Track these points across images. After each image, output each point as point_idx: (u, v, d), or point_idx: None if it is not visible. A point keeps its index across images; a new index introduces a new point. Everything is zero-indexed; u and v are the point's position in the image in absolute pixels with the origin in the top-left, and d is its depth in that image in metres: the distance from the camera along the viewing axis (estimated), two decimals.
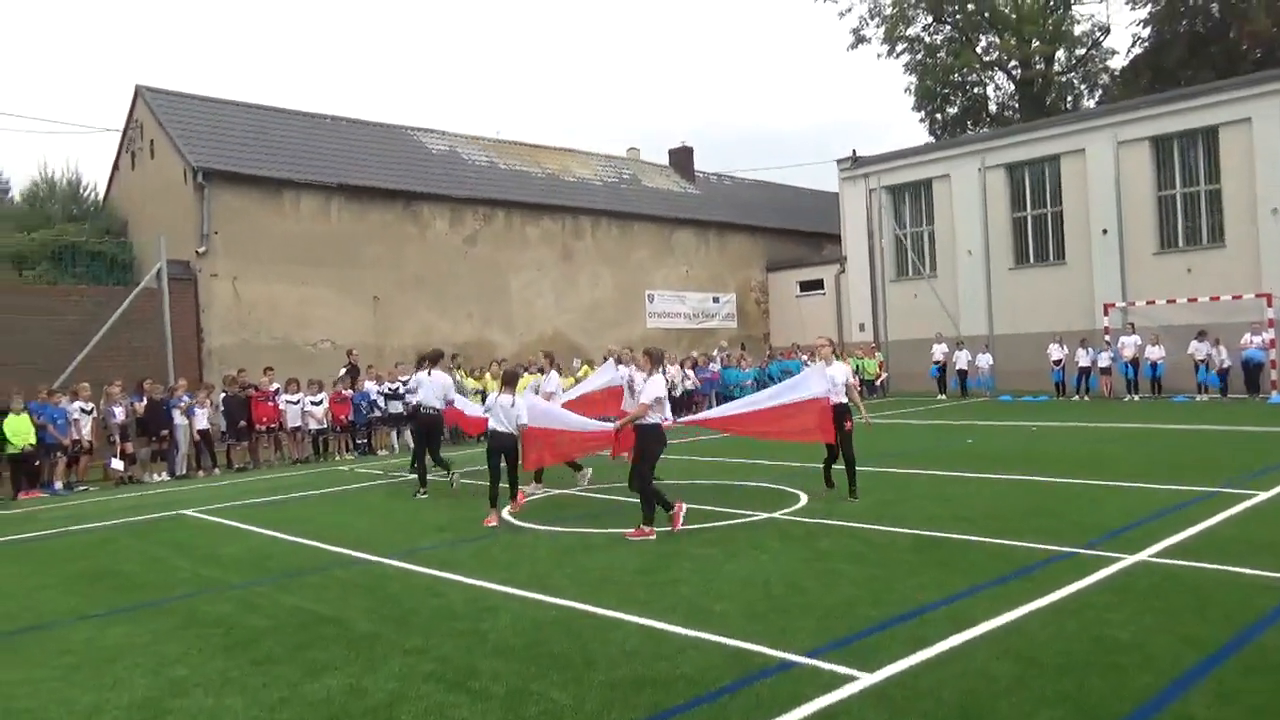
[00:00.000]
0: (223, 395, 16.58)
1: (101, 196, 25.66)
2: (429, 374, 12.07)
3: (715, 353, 26.09)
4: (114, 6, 70.52)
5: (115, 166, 24.44)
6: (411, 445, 18.49)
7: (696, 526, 8.81)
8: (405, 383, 15.38)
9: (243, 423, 16.41)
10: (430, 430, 12.14)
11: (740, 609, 5.98)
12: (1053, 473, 11.13)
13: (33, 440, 14.15)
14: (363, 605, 6.53)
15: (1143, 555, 6.85)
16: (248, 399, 16.56)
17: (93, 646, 5.88)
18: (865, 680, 4.62)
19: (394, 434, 18.44)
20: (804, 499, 10.04)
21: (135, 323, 18.05)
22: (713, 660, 5.04)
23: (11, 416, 13.98)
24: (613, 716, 4.35)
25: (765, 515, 9.25)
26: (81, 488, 14.68)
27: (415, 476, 12.17)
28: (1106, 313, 24.19)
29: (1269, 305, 21.56)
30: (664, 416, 8.92)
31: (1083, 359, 23.15)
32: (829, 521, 8.76)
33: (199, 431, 16.00)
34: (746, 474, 12.36)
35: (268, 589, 7.16)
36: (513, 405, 9.65)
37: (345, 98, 77.44)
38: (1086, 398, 22.79)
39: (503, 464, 9.84)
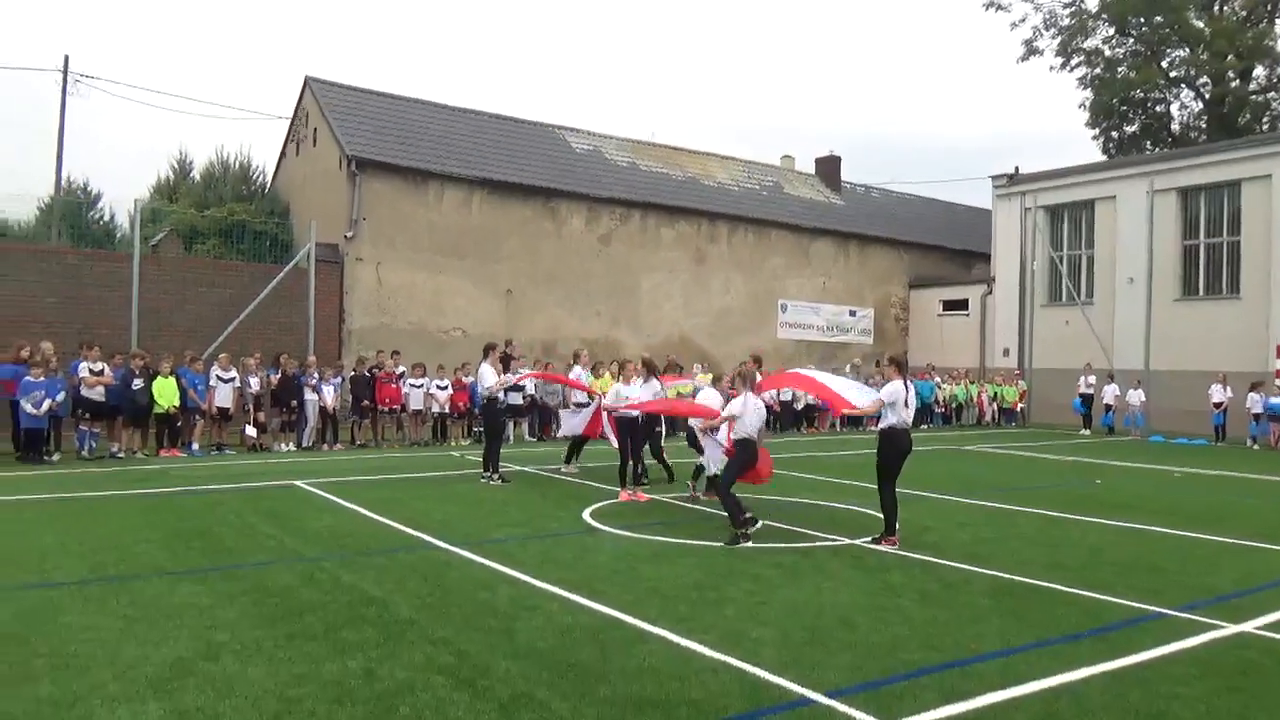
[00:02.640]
0: (351, 375, 17.39)
1: (269, 180, 27.48)
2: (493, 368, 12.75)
3: (847, 368, 25.36)
4: (287, 3, 75.45)
5: (282, 153, 26.12)
6: (527, 437, 19.08)
7: (769, 545, 8.56)
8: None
9: (366, 401, 17.17)
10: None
11: (778, 637, 5.74)
12: (1178, 525, 10.19)
13: (177, 403, 15.27)
14: (412, 591, 6.67)
15: (1246, 625, 6.15)
16: (373, 379, 17.32)
17: (158, 603, 6.23)
18: None
19: (510, 425, 18.82)
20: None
21: (284, 300, 19.25)
22: (728, 688, 4.84)
23: (160, 379, 15.13)
24: None
25: (846, 540, 8.89)
26: (217, 451, 15.73)
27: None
28: (1279, 355, 22.09)
29: None
30: (900, 419, 8.80)
31: (1255, 405, 21.13)
32: (909, 554, 8.32)
33: (326, 407, 16.84)
34: (841, 495, 11.91)
35: (333, 565, 7.42)
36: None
37: (498, 94, 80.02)
38: (1255, 446, 20.82)
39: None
